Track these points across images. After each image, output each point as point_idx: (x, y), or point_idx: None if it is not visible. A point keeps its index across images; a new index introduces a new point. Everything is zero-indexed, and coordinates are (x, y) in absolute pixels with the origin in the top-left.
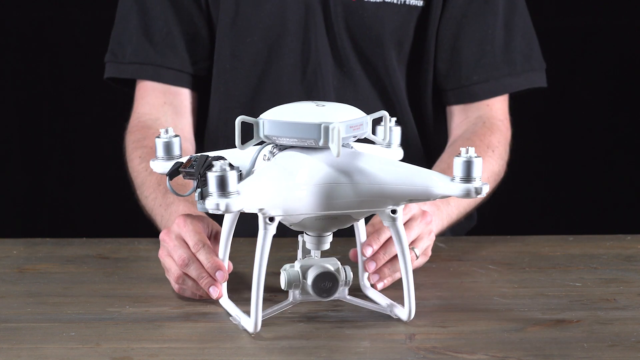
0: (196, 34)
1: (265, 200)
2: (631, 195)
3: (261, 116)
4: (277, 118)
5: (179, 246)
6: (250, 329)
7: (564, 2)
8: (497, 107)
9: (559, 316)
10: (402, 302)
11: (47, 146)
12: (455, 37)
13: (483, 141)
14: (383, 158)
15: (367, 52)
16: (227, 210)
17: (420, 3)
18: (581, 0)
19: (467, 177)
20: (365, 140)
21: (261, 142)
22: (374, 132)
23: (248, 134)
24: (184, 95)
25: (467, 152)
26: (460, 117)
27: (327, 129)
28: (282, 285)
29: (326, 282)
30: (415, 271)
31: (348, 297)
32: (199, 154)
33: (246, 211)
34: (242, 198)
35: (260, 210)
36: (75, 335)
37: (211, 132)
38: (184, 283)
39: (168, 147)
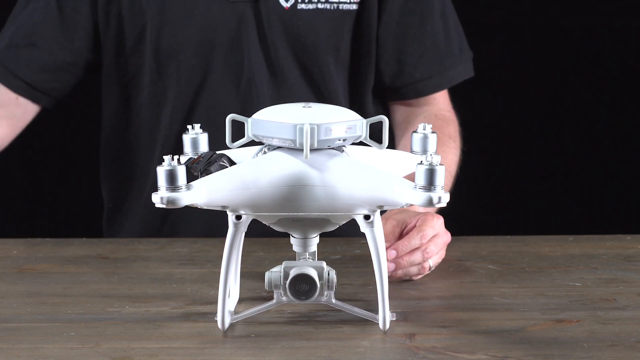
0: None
1: (226, 197)
2: (631, 195)
3: (253, 115)
4: (262, 118)
5: None
6: (219, 326)
7: (564, 2)
8: (442, 100)
9: (559, 316)
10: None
11: (47, 146)
12: (395, 36)
13: (443, 132)
14: (359, 162)
15: (303, 59)
16: (173, 205)
17: (354, 7)
18: (581, 0)
19: (429, 185)
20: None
21: (253, 141)
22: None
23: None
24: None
25: (429, 160)
26: (405, 112)
27: (301, 129)
28: (265, 286)
29: (303, 284)
30: None
31: (334, 301)
32: (209, 151)
33: (205, 207)
34: (192, 193)
35: (224, 207)
36: (75, 335)
37: (133, 138)
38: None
39: (195, 143)
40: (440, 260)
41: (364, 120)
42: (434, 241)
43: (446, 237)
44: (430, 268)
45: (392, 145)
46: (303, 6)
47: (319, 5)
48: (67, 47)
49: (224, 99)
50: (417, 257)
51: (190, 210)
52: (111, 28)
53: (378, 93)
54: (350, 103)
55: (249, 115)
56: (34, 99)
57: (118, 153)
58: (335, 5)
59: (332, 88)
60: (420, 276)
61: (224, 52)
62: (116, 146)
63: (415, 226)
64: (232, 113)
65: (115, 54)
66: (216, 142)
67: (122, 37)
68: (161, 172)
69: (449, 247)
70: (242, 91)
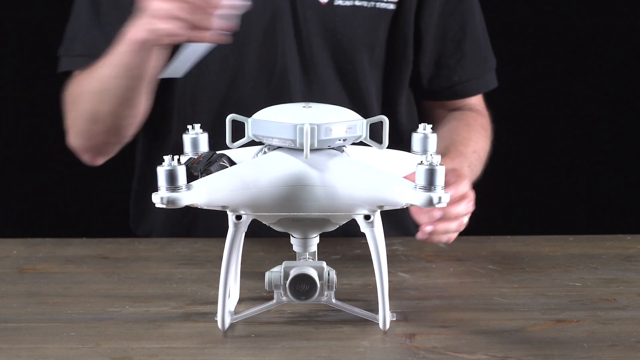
0: None
1: (226, 197)
2: (631, 195)
3: (253, 115)
4: (262, 118)
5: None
6: (219, 326)
7: (564, 2)
8: (476, 100)
9: (559, 316)
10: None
11: (47, 146)
12: (434, 39)
13: (476, 121)
14: (359, 162)
15: (337, 56)
16: (173, 205)
17: (391, 7)
18: (581, 0)
19: (429, 185)
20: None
21: (253, 141)
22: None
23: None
24: None
25: (429, 160)
26: (440, 109)
27: (301, 130)
28: (265, 286)
29: (303, 284)
30: (415, 271)
31: (334, 301)
32: (209, 151)
33: (205, 207)
34: (192, 193)
35: (224, 207)
36: (75, 335)
37: (173, 133)
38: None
39: (195, 143)
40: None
41: (364, 120)
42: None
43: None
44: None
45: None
46: (340, 2)
47: (356, 2)
48: None
49: (255, 92)
50: (461, 208)
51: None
52: None
53: (414, 93)
54: (383, 103)
55: None
56: None
57: (156, 136)
58: (373, 3)
59: (365, 87)
60: (454, 235)
61: (257, 45)
62: (153, 129)
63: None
64: (262, 106)
65: None
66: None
67: None
68: (161, 172)
69: (449, 247)
70: (273, 85)
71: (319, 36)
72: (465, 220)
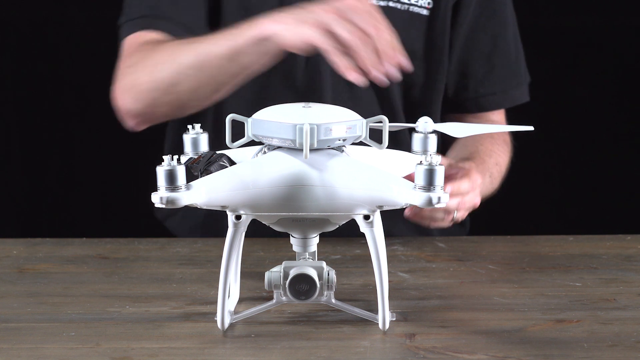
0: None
1: (226, 197)
2: (631, 195)
3: (253, 115)
4: (262, 118)
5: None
6: (219, 326)
7: (564, 2)
8: (498, 117)
9: (559, 316)
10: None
11: (47, 146)
12: (463, 49)
13: (500, 136)
14: (359, 162)
15: None
16: (172, 205)
17: (425, 12)
18: (581, 0)
19: (429, 186)
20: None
21: (253, 141)
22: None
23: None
24: None
25: (428, 161)
26: (462, 120)
27: (300, 130)
28: (265, 286)
29: (302, 284)
30: (415, 271)
31: (334, 301)
32: (209, 151)
33: (205, 207)
34: (192, 193)
35: (224, 207)
36: (75, 335)
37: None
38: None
39: (195, 143)
40: (464, 215)
41: (364, 120)
42: (472, 195)
43: (477, 200)
44: (453, 220)
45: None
46: (373, 1)
47: (390, 4)
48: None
49: (285, 93)
50: (452, 202)
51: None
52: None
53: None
54: (406, 110)
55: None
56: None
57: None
58: (406, 6)
59: (393, 92)
60: (442, 224)
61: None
62: (179, 127)
63: (463, 174)
64: (291, 101)
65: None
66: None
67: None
68: (160, 172)
69: (449, 247)
70: (304, 87)
71: None
72: (457, 215)
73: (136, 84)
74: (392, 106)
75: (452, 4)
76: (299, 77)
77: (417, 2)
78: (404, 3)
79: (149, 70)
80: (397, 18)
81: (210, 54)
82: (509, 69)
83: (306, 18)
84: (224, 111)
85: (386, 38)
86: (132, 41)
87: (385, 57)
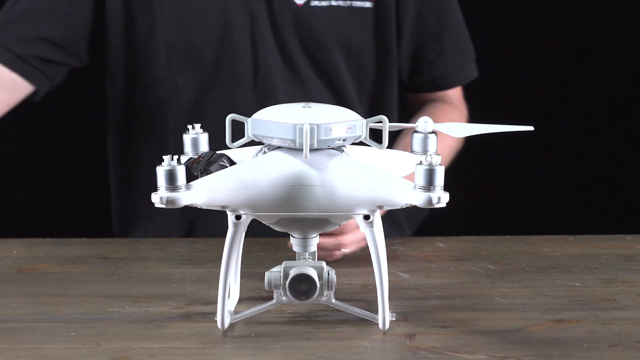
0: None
1: (226, 197)
2: (631, 195)
3: (253, 115)
4: (262, 118)
5: None
6: (219, 326)
7: (564, 2)
8: (454, 93)
9: (559, 316)
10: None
11: (47, 146)
12: (412, 34)
13: (445, 115)
14: (359, 162)
15: (315, 56)
16: (172, 205)
17: (368, 4)
18: (581, 0)
19: (429, 186)
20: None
21: (253, 141)
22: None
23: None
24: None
25: (428, 160)
26: (418, 100)
27: (300, 130)
28: (265, 286)
29: (302, 284)
30: (415, 271)
31: (334, 301)
32: (209, 151)
33: (204, 207)
34: (192, 193)
35: (224, 207)
36: (75, 335)
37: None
38: None
39: (195, 143)
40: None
41: (364, 120)
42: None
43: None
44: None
45: (393, 136)
46: (316, 3)
47: (332, 2)
48: (65, 25)
49: (240, 95)
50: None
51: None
52: (120, 22)
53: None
54: (360, 103)
55: None
56: (25, 76)
57: (124, 150)
58: (349, 2)
59: (345, 85)
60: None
61: (238, 49)
62: (122, 144)
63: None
64: (249, 109)
65: (125, 49)
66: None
67: (131, 32)
68: (161, 172)
69: (449, 247)
70: (258, 88)
71: (297, 37)
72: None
73: None
74: (347, 96)
75: None
76: (249, 74)
77: None
78: (345, 0)
79: None
80: (341, 16)
81: None
82: (459, 47)
83: None
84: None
85: None
86: None
87: None
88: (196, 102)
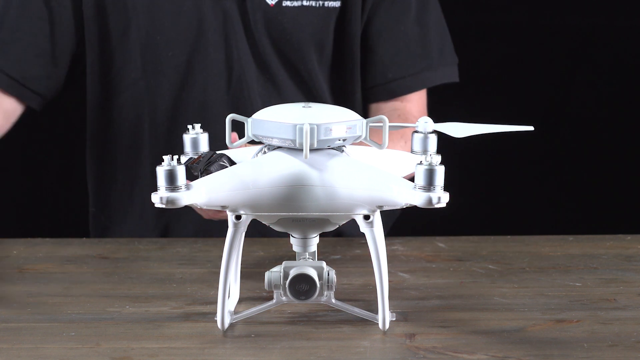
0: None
1: (226, 197)
2: (631, 195)
3: (253, 115)
4: (262, 118)
5: None
6: (219, 326)
7: (564, 2)
8: (413, 103)
9: (559, 316)
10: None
11: (47, 146)
12: (368, 36)
13: (397, 131)
14: (359, 162)
15: (288, 57)
16: (172, 204)
17: (338, 4)
18: (581, 0)
19: (429, 185)
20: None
21: (253, 141)
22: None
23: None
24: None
25: (428, 160)
26: (375, 111)
27: (300, 130)
28: (265, 286)
29: (302, 284)
30: (415, 271)
31: (334, 301)
32: (209, 151)
33: (205, 207)
34: (192, 193)
35: (224, 207)
36: (75, 335)
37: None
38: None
39: (195, 143)
40: None
41: (364, 120)
42: None
43: None
44: None
45: None
46: (288, 3)
47: (304, 3)
48: (52, 41)
49: (214, 96)
50: None
51: (181, 211)
52: (95, 23)
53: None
54: (336, 102)
55: (239, 113)
56: (20, 97)
57: (101, 153)
58: (321, 2)
59: (319, 86)
60: None
61: (212, 50)
62: (100, 146)
63: None
64: (223, 110)
65: (100, 50)
66: (209, 140)
67: (106, 33)
68: (161, 171)
69: (449, 247)
70: (232, 88)
71: (269, 37)
72: None
73: None
74: (321, 98)
75: None
76: (223, 75)
77: None
78: (318, 0)
79: None
80: (313, 16)
81: None
82: (414, 51)
83: None
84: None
85: None
86: None
87: None
88: (171, 102)
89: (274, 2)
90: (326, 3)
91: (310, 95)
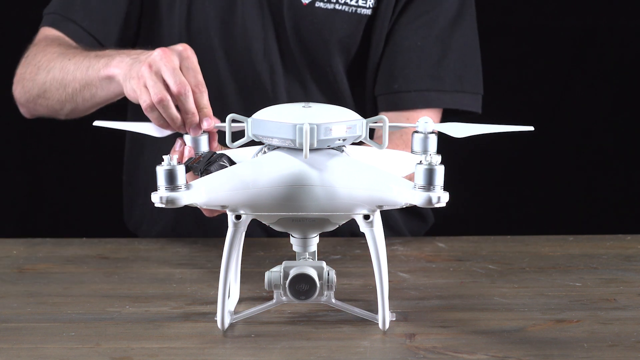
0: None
1: (226, 197)
2: (631, 195)
3: (253, 115)
4: (262, 118)
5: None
6: (219, 326)
7: (564, 2)
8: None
9: (559, 316)
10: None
11: (47, 146)
12: (386, 43)
13: (399, 137)
14: (358, 162)
15: (315, 57)
16: (172, 204)
17: (369, 12)
18: (581, 0)
19: (429, 185)
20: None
21: (253, 141)
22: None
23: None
24: None
25: (428, 160)
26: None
27: (300, 129)
28: (265, 286)
29: (302, 284)
30: (415, 271)
31: (334, 301)
32: (209, 151)
33: (204, 207)
34: (192, 193)
35: (224, 207)
36: (75, 335)
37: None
38: (152, 112)
39: (195, 142)
40: None
41: (364, 120)
42: None
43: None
44: None
45: None
46: (321, 4)
47: (337, 6)
48: (130, 6)
49: (236, 89)
50: None
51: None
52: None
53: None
54: (357, 107)
55: (262, 107)
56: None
57: (135, 145)
58: (354, 8)
59: (344, 89)
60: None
61: (241, 41)
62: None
63: None
64: (239, 105)
65: (149, 22)
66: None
67: (155, 8)
68: (160, 171)
69: (449, 247)
70: (255, 82)
71: (299, 36)
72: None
73: (24, 78)
74: (344, 100)
75: (393, 4)
76: (249, 83)
77: (364, 3)
78: (350, 5)
79: (32, 70)
80: (344, 20)
81: (70, 76)
82: (425, 69)
83: (132, 71)
84: None
85: (188, 97)
86: (42, 33)
87: (187, 117)
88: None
89: (307, 1)
90: (359, 10)
91: (334, 97)
